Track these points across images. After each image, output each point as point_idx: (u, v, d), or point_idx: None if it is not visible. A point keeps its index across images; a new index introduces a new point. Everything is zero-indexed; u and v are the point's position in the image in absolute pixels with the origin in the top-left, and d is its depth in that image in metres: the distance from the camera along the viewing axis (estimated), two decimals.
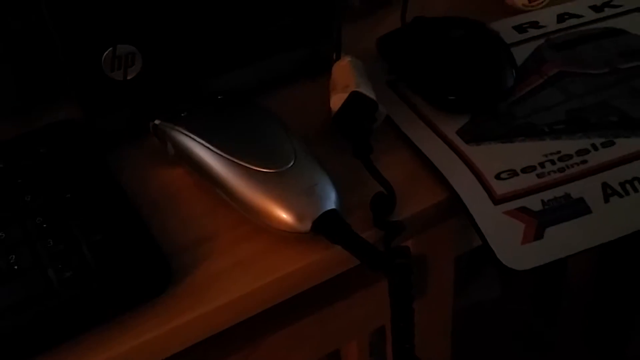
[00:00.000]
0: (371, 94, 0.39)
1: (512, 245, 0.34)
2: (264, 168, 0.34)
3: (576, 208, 0.35)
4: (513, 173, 0.37)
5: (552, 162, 0.37)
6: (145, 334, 0.32)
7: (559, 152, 0.37)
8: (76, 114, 0.40)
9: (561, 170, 0.37)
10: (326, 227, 0.33)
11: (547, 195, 0.36)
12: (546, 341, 0.92)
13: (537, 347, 0.92)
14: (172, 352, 0.33)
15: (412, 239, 0.41)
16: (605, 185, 0.36)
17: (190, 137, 0.36)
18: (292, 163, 0.34)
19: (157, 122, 0.38)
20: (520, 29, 0.46)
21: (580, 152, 0.38)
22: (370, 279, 0.42)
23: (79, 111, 0.39)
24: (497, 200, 0.35)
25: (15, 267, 0.32)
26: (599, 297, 0.87)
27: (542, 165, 0.37)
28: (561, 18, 0.47)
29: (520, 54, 0.43)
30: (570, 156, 0.37)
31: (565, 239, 0.35)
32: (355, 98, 0.38)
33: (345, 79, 0.39)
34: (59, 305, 0.31)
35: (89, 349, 0.31)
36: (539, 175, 0.36)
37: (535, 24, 0.47)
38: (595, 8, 0.48)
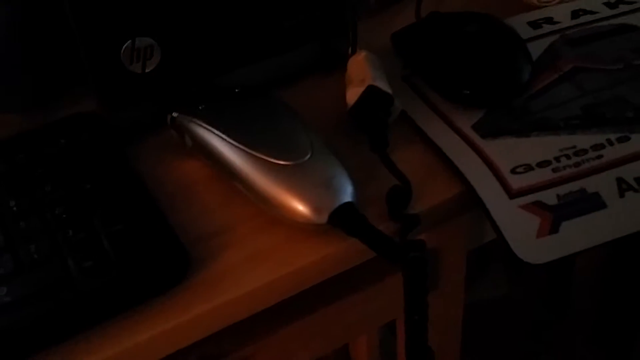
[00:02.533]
0: (387, 88, 0.39)
1: (527, 239, 0.34)
2: (281, 160, 0.34)
3: (591, 203, 0.35)
4: (528, 167, 0.37)
5: (568, 157, 0.37)
6: (162, 324, 0.32)
7: (574, 147, 0.38)
8: (94, 106, 0.40)
9: (577, 165, 0.37)
10: (343, 220, 0.33)
11: (563, 189, 0.36)
12: (554, 338, 0.92)
13: (544, 344, 0.92)
14: (189, 342, 0.34)
15: (425, 233, 0.41)
16: (620, 180, 0.36)
17: (208, 129, 0.36)
18: (309, 156, 0.35)
19: (175, 114, 0.38)
20: (535, 24, 0.46)
21: (596, 147, 0.38)
22: (381, 273, 0.42)
23: (98, 103, 0.39)
24: (512, 195, 0.36)
25: (35, 256, 0.32)
26: (608, 293, 0.87)
27: (557, 159, 0.37)
28: (576, 14, 0.47)
29: (535, 50, 0.43)
30: (585, 151, 0.37)
31: (581, 234, 0.35)
32: (371, 92, 0.38)
33: (361, 73, 0.40)
34: (79, 295, 0.31)
35: (107, 339, 0.32)
36: (554, 170, 0.37)
37: (549, 20, 0.47)
38: (609, 5, 0.48)
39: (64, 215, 0.34)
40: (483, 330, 0.89)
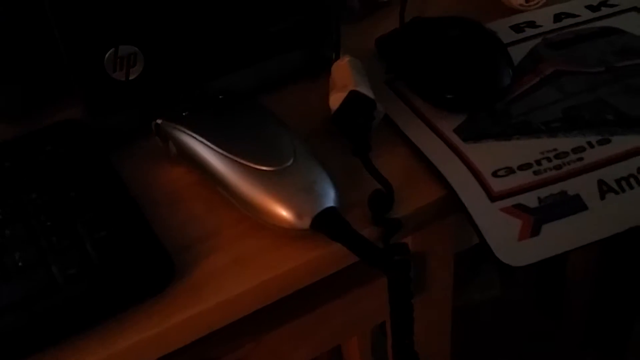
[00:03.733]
0: (370, 93, 0.39)
1: (509, 242, 0.34)
2: (264, 166, 0.35)
3: (572, 205, 0.36)
4: (510, 170, 0.37)
5: (549, 160, 0.38)
6: (148, 330, 0.32)
7: (555, 149, 0.38)
8: (80, 114, 0.40)
9: (557, 167, 0.37)
10: (325, 224, 0.34)
11: (544, 192, 0.36)
12: (547, 340, 0.92)
13: (537, 345, 0.92)
14: (174, 348, 0.34)
15: (411, 237, 0.41)
16: (601, 182, 0.36)
17: (192, 136, 0.37)
18: (291, 161, 0.35)
19: (159, 121, 0.38)
20: (517, 28, 0.47)
21: (576, 150, 0.38)
22: (370, 275, 0.43)
23: (83, 111, 0.40)
24: (494, 198, 0.36)
25: (20, 263, 0.33)
26: (601, 293, 0.87)
27: (538, 162, 0.37)
28: (558, 18, 0.47)
29: (517, 53, 0.44)
30: (566, 153, 0.38)
31: (562, 236, 0.35)
32: (353, 97, 0.39)
33: (344, 79, 0.40)
34: (63, 301, 0.32)
35: (93, 345, 0.32)
36: (535, 173, 0.37)
37: (532, 24, 0.47)
38: (591, 7, 0.48)
39: (49, 223, 0.34)
40: (475, 332, 0.89)
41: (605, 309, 0.89)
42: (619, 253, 0.83)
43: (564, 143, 0.38)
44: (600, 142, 0.38)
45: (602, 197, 0.36)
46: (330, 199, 0.34)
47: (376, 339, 0.62)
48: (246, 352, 0.40)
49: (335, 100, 0.39)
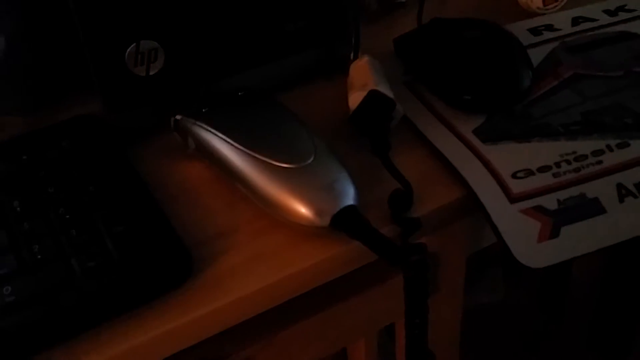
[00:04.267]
0: (389, 93, 0.39)
1: (528, 244, 0.34)
2: (284, 163, 0.35)
3: (591, 208, 0.36)
4: (529, 172, 0.37)
5: (568, 162, 0.37)
6: (164, 325, 0.32)
7: (574, 152, 0.38)
8: (98, 108, 0.40)
9: (577, 170, 0.37)
10: (345, 222, 0.34)
11: (563, 194, 0.36)
12: (551, 342, 0.92)
13: (541, 349, 0.92)
14: (189, 343, 0.34)
15: (426, 237, 0.41)
16: (620, 186, 0.36)
17: (211, 132, 0.37)
18: (312, 159, 0.35)
19: (178, 117, 0.38)
20: (535, 31, 0.47)
21: (596, 153, 0.38)
22: (380, 277, 0.42)
23: (101, 106, 0.40)
24: (513, 199, 0.36)
25: (39, 256, 0.33)
26: (605, 298, 0.87)
27: (557, 165, 0.37)
28: (576, 21, 0.47)
29: (536, 56, 0.44)
30: (585, 157, 0.38)
31: (581, 238, 0.35)
32: (373, 96, 0.39)
33: (364, 78, 0.40)
34: (82, 295, 0.31)
35: (110, 339, 0.32)
36: (554, 175, 0.37)
37: (550, 27, 0.47)
38: (609, 12, 0.48)
39: (68, 216, 0.34)
40: (480, 335, 0.89)
41: (609, 312, 0.89)
42: (623, 256, 0.83)
43: (584, 146, 0.38)
44: (620, 146, 0.38)
45: (621, 201, 0.36)
46: (350, 197, 0.34)
47: (382, 341, 0.62)
48: (255, 351, 0.40)
49: (355, 99, 0.39)
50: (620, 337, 0.87)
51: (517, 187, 0.36)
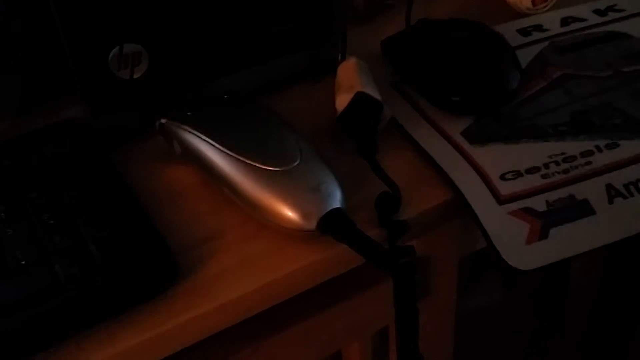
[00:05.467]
0: (376, 95, 0.39)
1: (516, 245, 0.34)
2: (270, 166, 0.34)
3: (580, 209, 0.35)
4: (517, 174, 0.37)
5: (557, 164, 0.37)
6: (150, 331, 0.32)
7: (563, 153, 0.38)
8: (81, 113, 0.40)
9: (565, 171, 0.37)
10: (332, 225, 0.33)
11: (552, 196, 0.36)
12: (548, 347, 0.92)
13: (538, 353, 0.92)
14: (176, 349, 0.33)
15: (417, 240, 0.41)
16: (609, 187, 0.36)
17: (196, 135, 0.36)
18: (297, 162, 0.35)
19: (163, 120, 0.38)
20: (524, 32, 0.47)
21: (585, 154, 0.38)
22: (373, 280, 0.42)
23: (84, 110, 0.39)
24: (501, 201, 0.36)
25: (23, 262, 0.32)
26: (602, 302, 0.87)
27: (546, 166, 0.37)
28: (565, 22, 0.47)
29: (524, 57, 0.44)
30: (574, 157, 0.38)
31: (570, 240, 0.35)
32: (360, 98, 0.38)
33: (351, 80, 0.40)
34: (66, 301, 0.31)
35: (95, 345, 0.31)
36: (543, 176, 0.37)
37: (539, 27, 0.47)
38: (598, 12, 0.48)
39: (51, 222, 0.34)
40: (477, 338, 0.89)
41: (607, 317, 0.88)
42: (621, 261, 0.83)
43: (572, 147, 0.38)
44: (609, 147, 0.38)
45: (610, 202, 0.36)
46: (336, 200, 0.34)
47: (377, 344, 0.62)
48: (246, 355, 0.40)
49: (342, 101, 0.39)
50: (618, 342, 0.87)
51: (505, 188, 0.36)
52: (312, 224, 0.33)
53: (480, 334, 0.91)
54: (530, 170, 0.37)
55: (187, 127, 0.37)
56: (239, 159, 0.35)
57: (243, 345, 0.39)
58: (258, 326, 0.36)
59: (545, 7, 0.48)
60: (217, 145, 0.36)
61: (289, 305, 0.35)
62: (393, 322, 0.34)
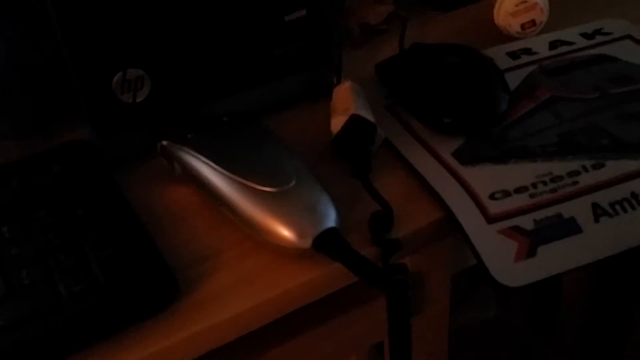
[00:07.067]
0: (370, 117, 0.40)
1: (505, 263, 0.35)
2: (266, 187, 0.36)
3: (567, 227, 0.36)
4: (506, 193, 0.38)
5: (544, 183, 0.38)
6: (151, 347, 0.33)
7: (550, 173, 0.39)
8: (86, 134, 0.41)
9: (553, 190, 0.38)
10: (326, 244, 0.34)
11: (539, 214, 0.37)
12: (541, 358, 0.92)
13: None
14: None
15: (409, 257, 0.42)
16: (595, 206, 0.37)
17: (196, 157, 0.38)
18: (293, 182, 0.36)
19: (164, 142, 0.39)
20: (513, 55, 0.48)
21: (572, 174, 0.39)
22: (369, 295, 0.43)
23: (89, 132, 0.41)
24: (490, 219, 0.37)
25: (26, 281, 0.33)
26: (594, 316, 0.87)
27: (534, 185, 0.38)
28: (553, 45, 0.49)
29: (514, 79, 0.45)
30: (561, 177, 0.39)
31: (557, 257, 0.36)
32: (355, 121, 0.40)
33: (346, 103, 0.41)
34: (69, 318, 0.32)
35: None
36: (531, 196, 0.38)
37: (528, 51, 0.48)
38: (586, 35, 0.49)
39: (56, 241, 0.35)
40: (472, 352, 0.89)
41: (599, 330, 0.89)
42: (612, 276, 0.84)
43: (560, 167, 0.39)
44: (595, 167, 0.39)
45: (597, 220, 0.37)
46: (331, 219, 0.35)
47: (372, 357, 0.62)
48: None
49: (337, 123, 0.40)
50: (611, 355, 0.88)
51: (494, 207, 0.37)
52: (308, 243, 0.34)
53: (475, 348, 0.91)
54: (519, 190, 0.38)
55: (187, 149, 0.38)
56: (237, 180, 0.36)
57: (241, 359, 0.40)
58: (255, 342, 0.37)
59: (533, 31, 0.49)
60: (216, 166, 0.37)
61: (285, 321, 0.36)
62: (387, 337, 0.35)
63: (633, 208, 0.37)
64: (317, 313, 0.40)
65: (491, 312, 0.96)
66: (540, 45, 0.48)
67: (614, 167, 0.39)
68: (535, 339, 0.94)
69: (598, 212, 0.37)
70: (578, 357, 0.91)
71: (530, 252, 0.36)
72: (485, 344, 0.93)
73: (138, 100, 0.39)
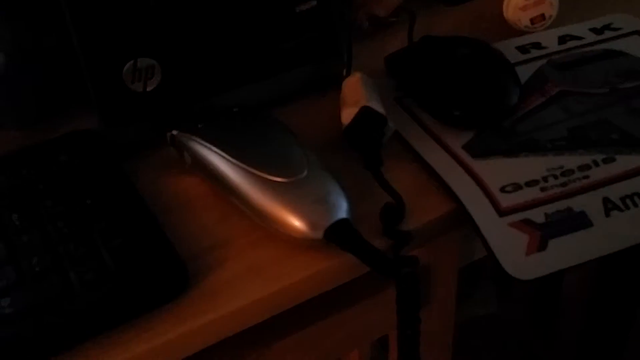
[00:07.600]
0: (381, 109, 0.40)
1: (516, 256, 0.35)
2: (278, 177, 0.35)
3: (578, 221, 0.36)
4: (517, 186, 0.38)
5: (555, 177, 0.38)
6: (160, 337, 0.33)
7: (561, 167, 0.39)
8: (94, 123, 0.41)
9: (563, 184, 0.38)
10: (338, 235, 0.34)
11: (550, 208, 0.37)
12: (542, 356, 0.92)
13: (532, 359, 0.92)
14: (185, 355, 0.34)
15: (417, 250, 0.42)
16: (606, 200, 0.37)
17: (207, 147, 0.37)
18: (305, 173, 0.36)
19: (174, 132, 0.39)
20: (523, 49, 0.48)
21: (582, 168, 0.39)
22: (374, 288, 0.43)
23: (98, 121, 0.40)
24: (502, 212, 0.37)
25: (37, 269, 0.33)
26: (595, 312, 0.88)
27: (545, 179, 0.38)
28: (562, 40, 0.48)
29: (524, 73, 0.45)
30: (572, 171, 0.39)
31: (568, 251, 0.36)
32: (365, 112, 0.39)
33: (356, 94, 0.41)
34: (79, 306, 0.32)
35: (107, 350, 0.32)
36: (542, 189, 0.38)
37: (537, 45, 0.48)
38: (595, 30, 0.49)
39: (66, 230, 0.35)
40: (474, 347, 0.89)
41: (600, 327, 0.89)
42: (613, 273, 0.84)
43: (570, 161, 0.39)
44: (606, 161, 0.39)
45: (607, 214, 0.37)
46: (343, 210, 0.35)
47: (376, 352, 0.63)
48: None
49: (347, 115, 0.40)
50: (610, 352, 0.88)
51: (505, 200, 0.37)
52: (319, 234, 0.34)
53: (477, 343, 0.92)
54: (530, 183, 0.38)
55: (197, 139, 0.38)
56: (248, 170, 0.36)
57: (245, 352, 0.40)
58: (260, 333, 0.37)
59: (543, 25, 0.49)
60: (226, 156, 0.37)
61: (290, 313, 0.36)
62: (393, 331, 0.35)
63: None
64: (323, 305, 0.40)
65: (492, 307, 0.96)
66: (549, 40, 0.48)
67: (625, 162, 0.39)
68: (535, 334, 0.95)
69: (609, 206, 0.37)
70: (578, 353, 0.91)
71: (542, 246, 0.36)
72: (486, 338, 0.94)
73: (148, 89, 0.39)
